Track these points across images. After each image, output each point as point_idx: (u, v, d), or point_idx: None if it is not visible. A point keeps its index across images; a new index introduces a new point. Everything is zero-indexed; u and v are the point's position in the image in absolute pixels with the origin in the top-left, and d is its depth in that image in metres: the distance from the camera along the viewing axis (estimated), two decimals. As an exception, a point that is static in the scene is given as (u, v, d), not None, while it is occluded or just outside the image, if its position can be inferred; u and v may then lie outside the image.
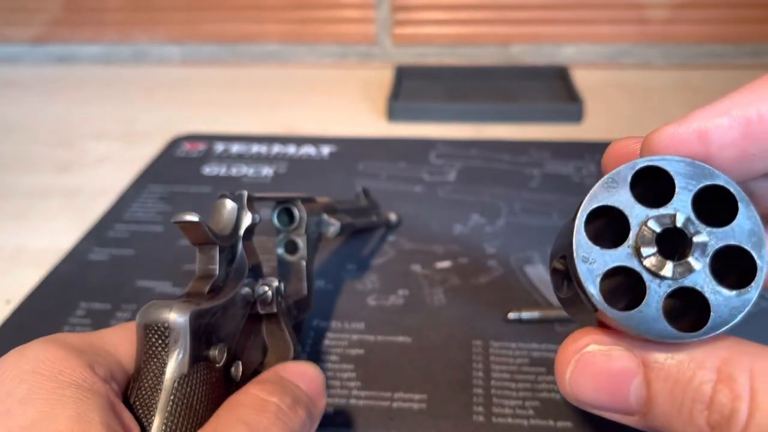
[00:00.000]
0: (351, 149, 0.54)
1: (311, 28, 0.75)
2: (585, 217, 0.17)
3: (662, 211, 0.17)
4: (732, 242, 0.16)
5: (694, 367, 0.16)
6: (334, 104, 0.65)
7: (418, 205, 0.46)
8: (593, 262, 0.17)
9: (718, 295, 0.16)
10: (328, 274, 0.39)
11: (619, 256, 0.17)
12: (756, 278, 0.16)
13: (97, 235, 0.44)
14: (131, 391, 0.20)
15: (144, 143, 0.57)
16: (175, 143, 0.57)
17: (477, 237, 0.42)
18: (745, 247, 0.16)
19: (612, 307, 0.16)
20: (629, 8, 0.69)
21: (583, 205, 0.17)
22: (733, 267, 0.17)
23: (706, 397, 0.15)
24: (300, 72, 0.74)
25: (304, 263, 0.31)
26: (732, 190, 0.17)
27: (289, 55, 0.76)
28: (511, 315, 0.35)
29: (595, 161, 0.50)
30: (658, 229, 0.16)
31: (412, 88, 0.65)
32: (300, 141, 0.56)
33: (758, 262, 0.16)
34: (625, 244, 0.17)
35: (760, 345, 0.16)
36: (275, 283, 0.26)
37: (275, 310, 0.26)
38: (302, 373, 0.24)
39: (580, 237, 0.17)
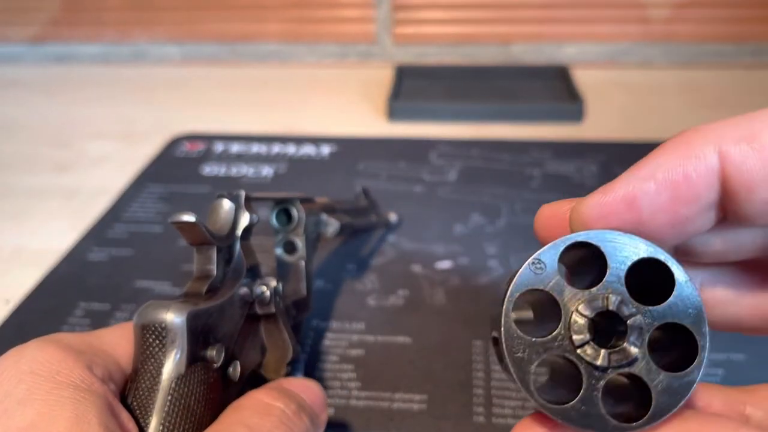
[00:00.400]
0: (351, 149, 0.54)
1: (311, 27, 0.75)
2: (512, 305, 0.16)
3: (594, 291, 0.16)
4: (669, 320, 0.15)
5: None
6: (334, 104, 0.65)
7: (418, 205, 0.46)
8: (525, 351, 0.16)
9: (659, 380, 0.15)
10: (328, 274, 0.39)
11: (551, 345, 0.16)
12: (697, 358, 0.15)
13: (96, 235, 0.44)
14: (129, 392, 0.20)
15: (143, 143, 0.57)
16: (175, 143, 0.56)
17: (477, 237, 0.42)
18: (685, 324, 0.15)
19: (552, 392, 0.16)
20: (630, 7, 0.69)
21: (509, 291, 0.16)
22: (675, 343, 0.16)
23: None
24: (300, 71, 0.74)
25: (303, 263, 0.31)
26: (669, 263, 0.16)
27: (289, 54, 0.76)
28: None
29: (596, 161, 0.50)
30: (589, 315, 0.15)
31: (412, 88, 0.65)
32: (300, 141, 0.56)
33: (699, 340, 0.15)
34: (557, 331, 0.16)
35: (705, 416, 0.15)
36: (273, 283, 0.26)
37: (273, 310, 0.26)
38: (306, 387, 0.24)
39: (508, 326, 0.16)
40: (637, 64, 0.72)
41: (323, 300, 0.37)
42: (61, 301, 0.38)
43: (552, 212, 0.19)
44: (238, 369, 0.23)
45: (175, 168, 0.52)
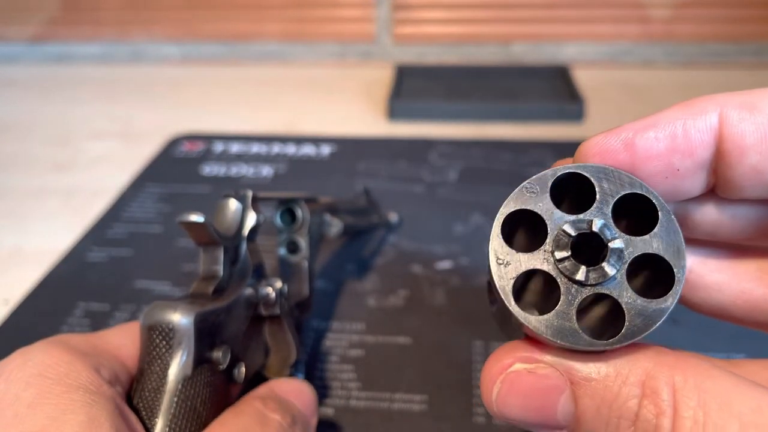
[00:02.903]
0: (351, 149, 0.54)
1: (311, 26, 0.75)
2: (502, 220, 0.17)
3: (580, 216, 0.17)
4: (649, 251, 0.16)
5: (619, 382, 0.16)
6: (334, 103, 0.65)
7: (418, 205, 0.46)
8: (507, 265, 0.17)
9: (633, 303, 0.16)
10: (329, 274, 0.39)
11: (534, 260, 0.17)
12: (673, 288, 0.16)
13: (95, 235, 0.44)
14: (134, 393, 0.20)
15: (142, 143, 0.57)
16: (174, 143, 0.56)
17: (478, 237, 0.42)
18: (663, 256, 0.16)
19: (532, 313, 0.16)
20: (631, 7, 0.69)
21: (501, 208, 0.17)
22: (659, 277, 0.17)
23: (632, 413, 0.15)
24: (300, 71, 0.74)
25: (306, 264, 0.31)
26: (651, 198, 0.16)
27: (288, 54, 0.76)
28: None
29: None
30: (573, 233, 0.16)
31: (412, 88, 0.65)
32: (300, 140, 0.56)
33: (675, 272, 0.16)
34: (542, 248, 0.17)
35: (681, 352, 0.16)
36: (278, 285, 0.26)
37: (278, 312, 0.26)
38: (297, 392, 0.24)
39: (496, 240, 0.17)
40: (637, 64, 0.72)
41: (323, 300, 0.37)
42: (60, 301, 0.38)
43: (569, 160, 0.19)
44: (243, 371, 0.23)
45: (175, 168, 0.52)
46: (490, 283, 0.18)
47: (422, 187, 0.48)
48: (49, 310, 0.37)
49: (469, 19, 0.72)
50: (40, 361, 0.19)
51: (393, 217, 0.43)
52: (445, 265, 0.40)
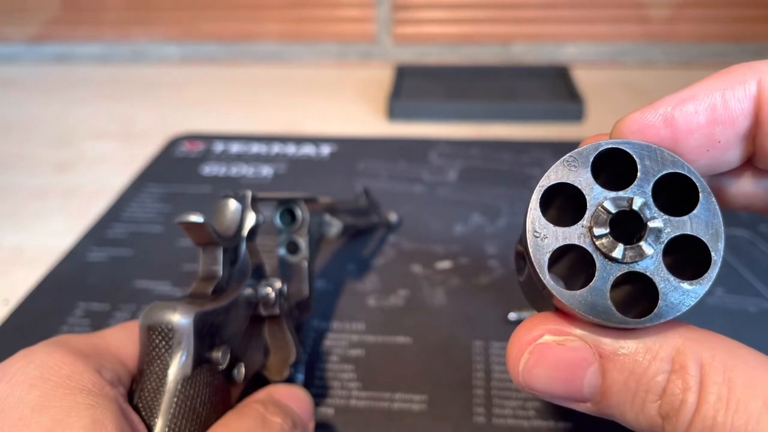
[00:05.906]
0: (351, 149, 0.54)
1: (311, 27, 0.75)
2: (541, 192, 0.17)
3: (621, 193, 0.16)
4: (688, 232, 0.16)
5: (649, 357, 0.16)
6: (334, 104, 0.65)
7: (418, 205, 0.46)
8: (544, 238, 0.16)
9: (667, 283, 0.16)
10: (329, 274, 0.39)
11: (571, 235, 0.16)
12: (709, 271, 0.16)
13: (95, 235, 0.44)
14: (134, 393, 0.20)
15: (143, 143, 0.57)
16: (174, 143, 0.56)
17: (477, 237, 0.42)
18: (702, 238, 0.16)
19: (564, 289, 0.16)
20: (630, 7, 0.69)
21: (540, 181, 0.17)
22: (691, 259, 0.16)
23: (660, 387, 0.15)
24: (300, 71, 0.74)
25: (305, 264, 0.31)
26: (693, 179, 0.16)
27: (288, 54, 0.76)
28: (512, 315, 0.35)
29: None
30: (613, 210, 0.16)
31: (412, 88, 0.65)
32: (300, 141, 0.56)
33: (713, 254, 0.16)
34: (579, 224, 0.16)
35: (709, 331, 0.16)
36: (278, 285, 0.26)
37: (278, 312, 0.26)
38: (295, 397, 0.24)
39: (534, 213, 0.17)
40: (637, 64, 0.72)
41: (324, 300, 0.37)
42: (60, 301, 0.38)
43: (598, 138, 0.19)
44: (243, 371, 0.23)
45: (175, 168, 0.52)
46: (521, 254, 0.18)
47: (422, 187, 0.48)
48: (49, 310, 0.37)
49: (469, 19, 0.72)
50: (42, 362, 0.19)
51: (393, 217, 0.43)
52: (445, 265, 0.40)
